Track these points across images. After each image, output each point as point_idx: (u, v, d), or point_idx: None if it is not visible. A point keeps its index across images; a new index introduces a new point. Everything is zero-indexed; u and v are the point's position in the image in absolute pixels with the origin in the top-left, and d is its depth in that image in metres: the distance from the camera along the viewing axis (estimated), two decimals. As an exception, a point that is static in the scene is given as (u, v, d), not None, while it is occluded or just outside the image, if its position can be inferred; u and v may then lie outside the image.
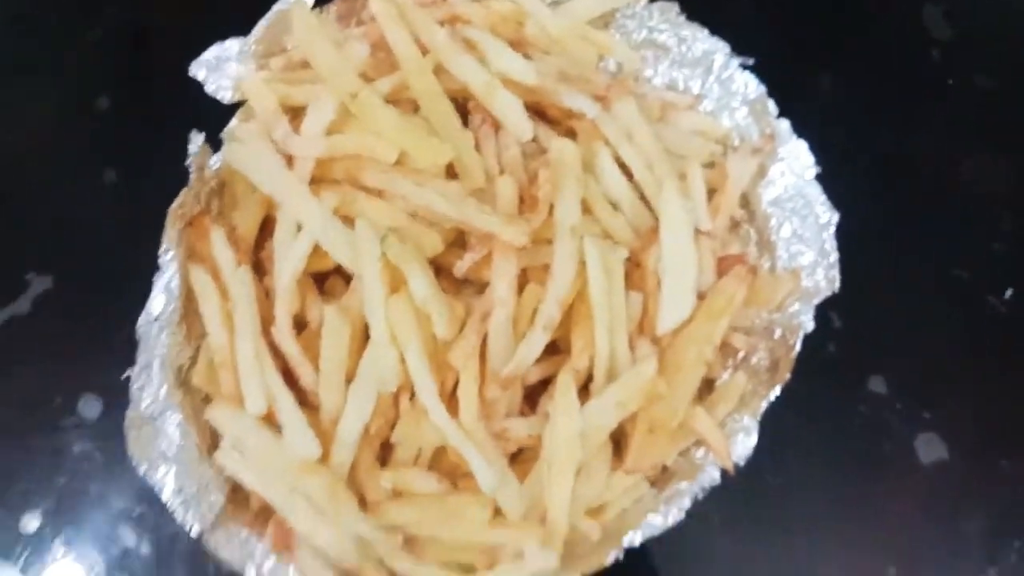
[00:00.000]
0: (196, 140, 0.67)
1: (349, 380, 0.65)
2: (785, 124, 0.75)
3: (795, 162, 0.74)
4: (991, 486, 0.82)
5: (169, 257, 0.65)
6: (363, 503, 0.65)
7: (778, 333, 0.72)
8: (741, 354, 0.73)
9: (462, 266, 0.65)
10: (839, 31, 0.95)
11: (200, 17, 0.90)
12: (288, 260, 0.65)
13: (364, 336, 0.65)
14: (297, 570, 0.65)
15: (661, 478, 0.70)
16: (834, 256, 0.71)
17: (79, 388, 0.79)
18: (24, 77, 0.91)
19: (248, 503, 0.67)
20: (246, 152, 0.68)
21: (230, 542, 0.64)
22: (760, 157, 0.73)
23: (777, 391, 0.69)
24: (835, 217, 0.72)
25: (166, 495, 0.62)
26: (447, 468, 0.69)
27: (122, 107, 0.88)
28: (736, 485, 0.68)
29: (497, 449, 0.65)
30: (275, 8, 0.73)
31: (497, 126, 0.71)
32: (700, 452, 0.70)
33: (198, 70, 0.71)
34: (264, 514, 0.67)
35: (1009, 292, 0.86)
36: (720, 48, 0.77)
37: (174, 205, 0.65)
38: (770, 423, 0.69)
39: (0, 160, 0.88)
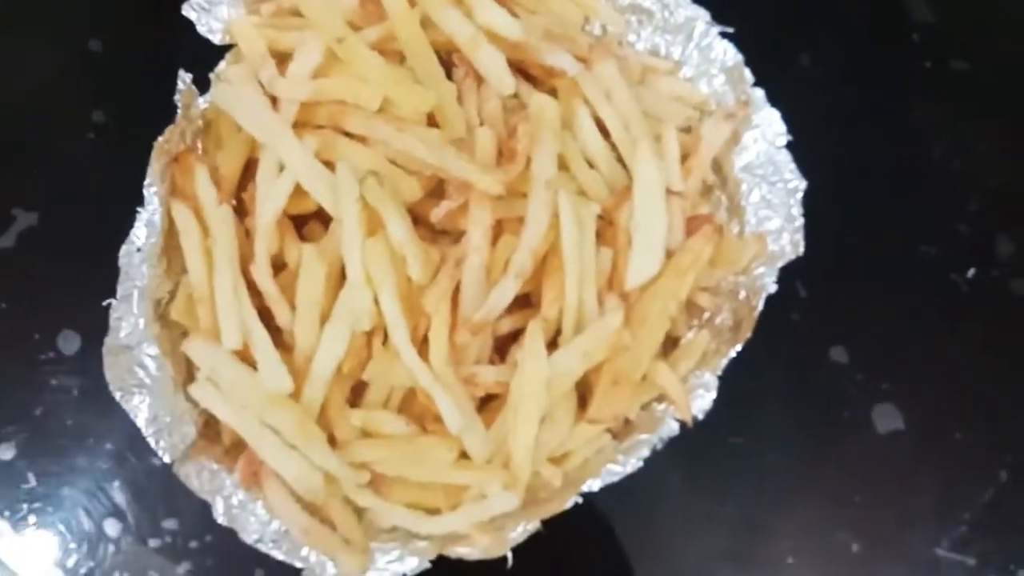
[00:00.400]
0: (184, 78, 0.68)
1: (324, 320, 0.67)
2: (760, 93, 0.76)
3: (768, 129, 0.76)
4: (944, 457, 0.85)
5: (153, 191, 0.66)
6: (332, 441, 0.67)
7: (742, 295, 0.74)
8: (706, 315, 0.76)
9: (439, 212, 0.67)
10: (821, 7, 0.97)
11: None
12: (269, 199, 0.66)
13: (340, 278, 0.67)
14: (264, 505, 0.67)
15: (623, 430, 0.73)
16: (799, 221, 0.74)
17: (59, 323, 0.81)
18: (15, 20, 0.92)
19: (220, 438, 0.69)
20: (233, 93, 0.69)
21: (200, 474, 0.66)
22: (734, 122, 0.75)
23: (738, 348, 0.71)
24: (803, 184, 0.74)
25: (140, 422, 0.64)
26: (416, 412, 0.71)
27: (114, 48, 0.89)
28: (694, 438, 0.70)
29: (465, 393, 0.67)
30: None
31: (480, 80, 0.72)
32: (661, 406, 0.72)
33: (190, 11, 0.72)
34: (235, 450, 0.69)
35: (972, 271, 0.89)
36: (701, 15, 0.79)
37: (159, 140, 0.66)
38: (731, 384, 0.71)
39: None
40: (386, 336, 0.67)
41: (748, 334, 0.72)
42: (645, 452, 0.69)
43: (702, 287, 0.73)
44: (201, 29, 0.72)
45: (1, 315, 0.82)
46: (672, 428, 0.70)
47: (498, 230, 0.69)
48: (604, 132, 0.73)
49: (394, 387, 0.70)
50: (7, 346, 0.80)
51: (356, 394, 0.70)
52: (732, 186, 0.77)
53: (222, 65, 0.72)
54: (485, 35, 0.71)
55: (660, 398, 0.73)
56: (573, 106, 0.72)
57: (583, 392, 0.72)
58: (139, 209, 0.66)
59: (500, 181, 0.65)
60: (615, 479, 0.69)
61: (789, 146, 0.76)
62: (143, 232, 0.66)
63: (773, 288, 0.73)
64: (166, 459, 0.64)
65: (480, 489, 0.68)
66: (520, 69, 0.75)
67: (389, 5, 0.71)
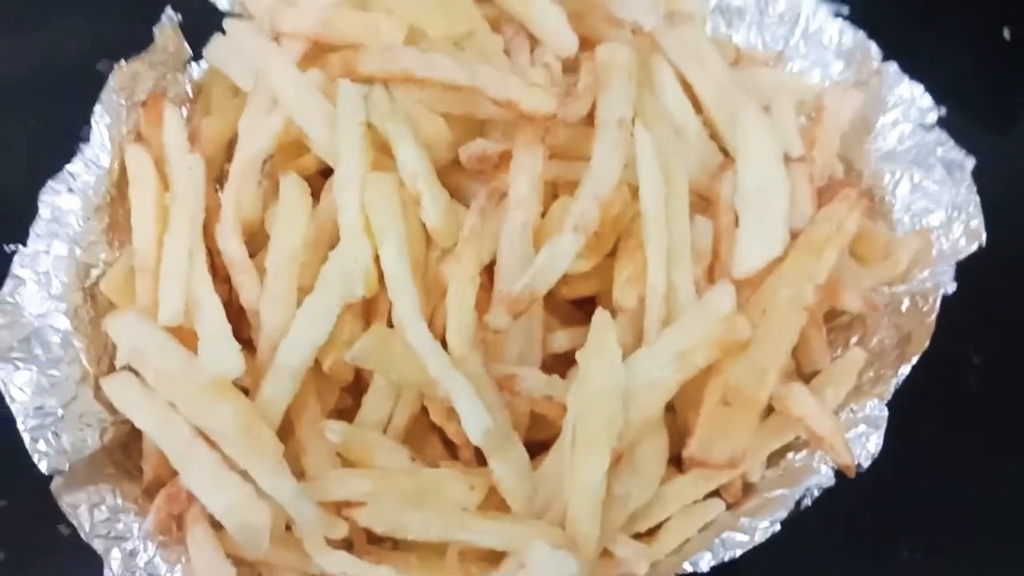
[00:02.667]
0: (170, 14, 0.55)
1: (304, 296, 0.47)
2: (893, 66, 0.60)
3: (911, 108, 0.58)
4: None
5: (104, 124, 0.51)
6: (297, 472, 0.44)
7: (906, 304, 0.52)
8: (854, 338, 0.53)
9: (470, 149, 0.49)
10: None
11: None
12: (252, 137, 0.50)
13: (331, 248, 0.48)
14: (185, 570, 0.43)
15: (743, 494, 0.47)
16: (975, 204, 0.53)
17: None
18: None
19: (136, 472, 0.47)
20: (229, 44, 0.56)
21: (94, 508, 0.43)
22: (865, 92, 0.58)
23: (911, 364, 0.48)
24: (970, 162, 0.55)
25: (15, 407, 0.43)
26: (427, 450, 0.48)
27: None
28: (849, 490, 0.45)
29: (496, 392, 0.44)
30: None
31: (533, 42, 0.58)
32: (800, 455, 0.48)
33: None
34: (155, 488, 0.46)
35: None
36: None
37: (121, 64, 0.52)
38: (902, 414, 0.47)
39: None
40: (390, 319, 0.47)
41: (924, 345, 0.48)
42: (782, 513, 0.44)
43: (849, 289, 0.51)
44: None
45: None
46: (823, 477, 0.45)
47: (550, 195, 0.51)
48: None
49: (397, 405, 0.47)
50: None
51: (343, 417, 0.48)
52: (870, 180, 0.58)
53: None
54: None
55: (797, 445, 0.48)
56: (652, 64, 0.56)
57: (680, 431, 0.49)
58: (81, 145, 0.50)
59: (552, 98, 0.47)
60: (736, 553, 0.43)
61: (941, 123, 0.57)
62: (81, 171, 0.50)
63: (952, 287, 0.50)
64: (43, 468, 0.42)
65: (516, 553, 0.42)
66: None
67: None
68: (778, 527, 0.43)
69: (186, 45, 0.57)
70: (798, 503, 0.44)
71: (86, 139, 0.50)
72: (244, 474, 0.43)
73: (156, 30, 0.54)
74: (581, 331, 0.49)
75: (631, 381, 0.45)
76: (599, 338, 0.46)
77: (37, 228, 0.48)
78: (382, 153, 0.49)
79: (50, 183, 0.49)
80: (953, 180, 0.55)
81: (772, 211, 0.50)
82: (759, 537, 0.43)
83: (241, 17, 0.60)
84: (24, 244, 0.47)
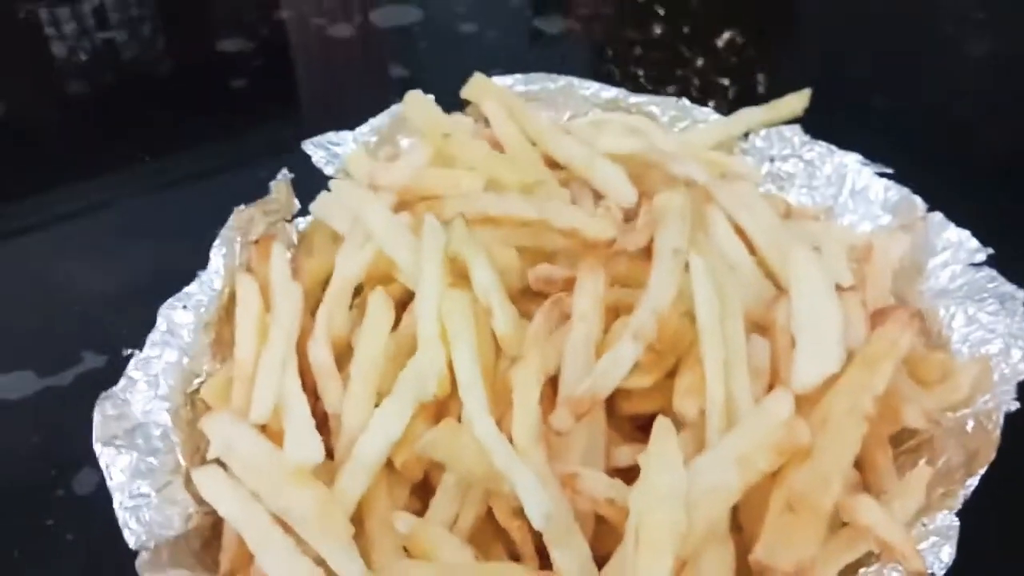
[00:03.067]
0: (285, 172, 0.65)
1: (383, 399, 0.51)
2: (938, 216, 0.64)
3: (959, 251, 0.61)
4: None
5: (221, 254, 0.58)
6: (366, 561, 0.46)
7: (970, 425, 0.52)
8: (923, 460, 0.52)
9: (538, 272, 0.54)
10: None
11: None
12: (346, 265, 0.57)
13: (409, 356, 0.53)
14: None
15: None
16: (1034, 332, 0.54)
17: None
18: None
19: (216, 565, 0.49)
20: (333, 198, 0.64)
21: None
22: (911, 234, 0.61)
23: (979, 476, 0.47)
24: (1021, 294, 0.57)
25: (113, 484, 0.46)
26: (493, 549, 0.49)
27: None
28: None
29: (558, 485, 0.46)
30: (390, 110, 0.76)
31: (597, 197, 0.65)
32: (872, 569, 0.46)
33: (309, 146, 0.71)
34: (233, 581, 0.48)
35: None
36: (851, 160, 0.70)
37: (240, 207, 0.60)
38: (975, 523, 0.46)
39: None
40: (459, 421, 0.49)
41: (991, 456, 0.48)
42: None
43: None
44: (318, 161, 0.70)
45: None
46: (894, 589, 0.44)
47: (611, 317, 0.54)
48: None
49: (464, 505, 0.49)
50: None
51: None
52: (925, 316, 0.60)
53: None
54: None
55: (868, 561, 0.47)
56: (705, 212, 0.62)
57: (747, 549, 0.48)
58: (199, 272, 0.58)
59: (612, 226, 0.53)
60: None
61: (990, 261, 0.60)
62: (196, 292, 0.57)
63: (1014, 406, 0.50)
64: (131, 543, 0.45)
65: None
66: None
67: (509, 144, 0.68)
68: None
69: (295, 199, 0.66)
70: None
71: (203, 267, 0.58)
72: (317, 560, 0.45)
73: (272, 184, 0.64)
74: (644, 447, 0.51)
75: (694, 485, 0.46)
76: (661, 442, 0.48)
77: (153, 337, 0.54)
78: (460, 279, 0.54)
79: (169, 300, 0.56)
80: (1007, 311, 0.56)
81: (827, 332, 0.53)
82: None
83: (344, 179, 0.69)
84: (140, 350, 0.54)
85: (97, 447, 0.48)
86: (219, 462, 0.49)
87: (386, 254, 0.57)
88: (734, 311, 0.52)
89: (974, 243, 0.61)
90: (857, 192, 0.69)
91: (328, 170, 0.71)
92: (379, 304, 0.53)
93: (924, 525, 0.47)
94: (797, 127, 0.74)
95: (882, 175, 0.69)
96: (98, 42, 1.15)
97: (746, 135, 0.76)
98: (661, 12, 1.21)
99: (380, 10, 1.25)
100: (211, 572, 0.49)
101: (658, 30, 1.18)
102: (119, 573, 0.45)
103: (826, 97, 0.72)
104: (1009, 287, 0.58)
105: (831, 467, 0.47)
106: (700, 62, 1.08)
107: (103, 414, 0.49)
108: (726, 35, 1.15)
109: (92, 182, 0.89)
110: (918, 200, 0.65)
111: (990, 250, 0.60)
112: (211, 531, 0.50)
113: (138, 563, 0.45)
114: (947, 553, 0.45)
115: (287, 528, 0.46)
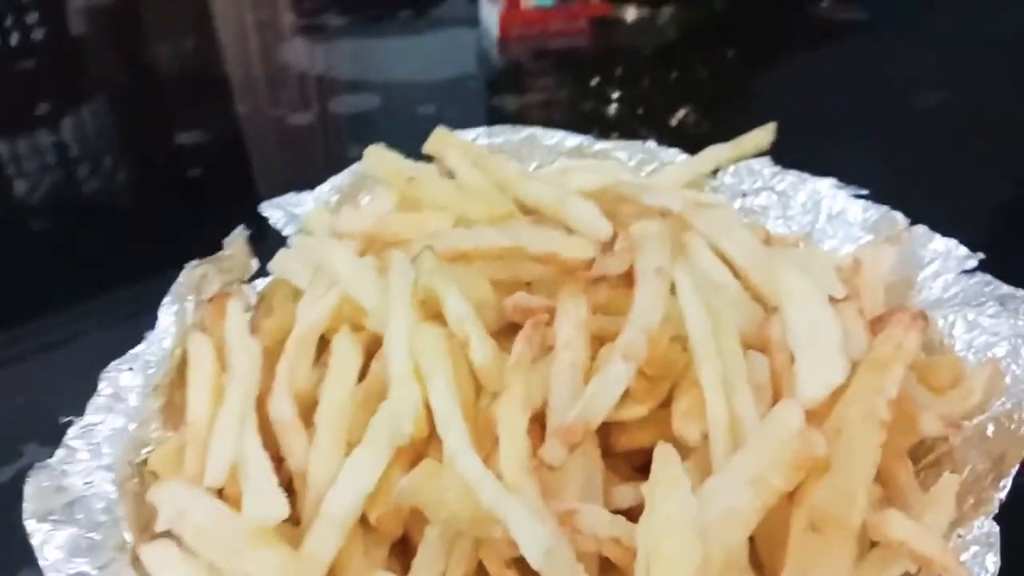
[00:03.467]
0: (240, 229, 0.61)
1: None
2: (922, 228, 0.62)
3: (947, 259, 0.59)
4: None
5: (172, 311, 0.54)
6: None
7: (991, 429, 0.48)
8: (946, 473, 0.48)
9: (515, 300, 0.50)
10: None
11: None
12: (309, 312, 0.52)
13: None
14: None
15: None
16: (1042, 328, 0.51)
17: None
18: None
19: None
20: (293, 254, 0.61)
21: None
22: (896, 245, 0.59)
23: (1009, 482, 0.43)
24: (1021, 293, 0.54)
25: (45, 562, 0.40)
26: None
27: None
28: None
29: (553, 519, 0.40)
30: (352, 168, 0.73)
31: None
32: (911, 589, 0.41)
33: (268, 209, 0.68)
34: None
35: None
36: (824, 185, 0.69)
37: (192, 263, 0.56)
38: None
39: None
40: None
41: (1021, 455, 0.44)
42: (903, 647, 0.37)
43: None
44: (276, 222, 0.67)
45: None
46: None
47: (596, 345, 0.51)
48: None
49: (450, 561, 0.43)
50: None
51: None
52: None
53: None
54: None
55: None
56: (685, 239, 0.59)
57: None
58: (147, 333, 0.53)
59: (590, 246, 0.50)
60: None
61: (982, 267, 0.58)
62: (144, 352, 0.52)
63: (1037, 403, 0.47)
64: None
65: None
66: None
67: (453, 160, 0.66)
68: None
69: (253, 259, 0.62)
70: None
71: (151, 328, 0.53)
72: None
73: (226, 241, 0.60)
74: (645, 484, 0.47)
75: (706, 513, 0.41)
76: (664, 468, 0.43)
77: (96, 402, 0.49)
78: (433, 319, 0.50)
79: (113, 363, 0.51)
80: (1009, 311, 0.54)
81: (827, 343, 0.49)
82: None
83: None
84: (80, 416, 0.48)
85: (30, 524, 0.42)
86: (171, 536, 0.44)
87: (352, 298, 0.53)
88: (727, 326, 0.49)
89: (963, 250, 0.59)
90: (835, 216, 0.68)
91: (287, 231, 0.67)
92: (345, 346, 0.48)
93: (960, 536, 0.42)
94: (766, 159, 0.72)
95: (859, 196, 0.67)
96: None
97: (715, 173, 0.74)
98: (614, 95, 1.23)
99: (339, 98, 1.26)
100: (163, 663, 0.42)
101: (612, 109, 1.20)
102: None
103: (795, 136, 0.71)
104: (1007, 288, 0.55)
105: (853, 479, 0.43)
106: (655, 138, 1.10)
107: (37, 487, 0.43)
108: (680, 112, 1.16)
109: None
110: (899, 215, 0.64)
111: (981, 255, 0.58)
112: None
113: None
114: (991, 561, 0.40)
115: (250, 601, 0.40)
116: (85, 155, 1.16)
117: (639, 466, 0.50)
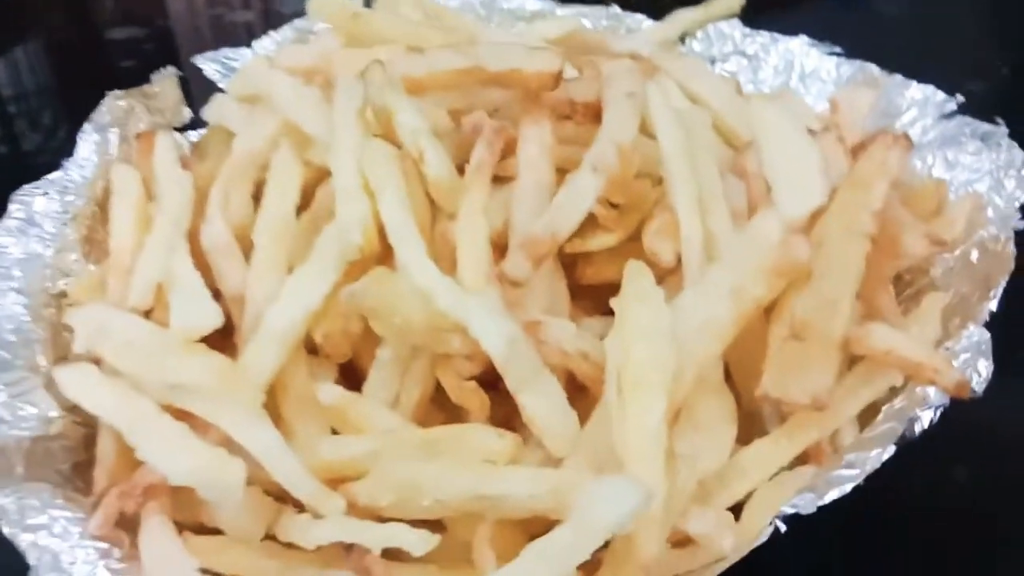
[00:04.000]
0: (171, 69, 0.56)
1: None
2: (898, 77, 0.59)
3: (926, 105, 0.57)
4: None
5: (92, 141, 0.48)
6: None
7: (976, 255, 0.46)
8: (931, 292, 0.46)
9: (472, 122, 0.46)
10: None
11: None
12: (247, 139, 0.48)
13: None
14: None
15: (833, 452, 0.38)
16: (1020, 157, 0.49)
17: None
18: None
19: (88, 484, 0.38)
20: (229, 99, 0.56)
21: (23, 500, 0.34)
22: (873, 88, 0.56)
23: (1000, 292, 0.41)
24: (1003, 130, 0.52)
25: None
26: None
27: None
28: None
29: (519, 327, 0.37)
30: (293, 23, 0.68)
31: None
32: (898, 402, 0.39)
33: (203, 61, 0.63)
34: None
35: None
36: (796, 45, 0.66)
37: (116, 92, 0.51)
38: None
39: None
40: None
41: (1010, 267, 0.42)
42: (890, 444, 0.35)
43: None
44: (212, 75, 0.62)
45: None
46: (934, 399, 0.36)
47: (560, 176, 0.47)
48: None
49: (404, 383, 0.40)
50: None
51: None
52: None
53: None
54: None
55: (888, 398, 0.40)
56: (655, 79, 0.55)
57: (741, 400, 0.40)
58: (64, 160, 0.48)
59: (556, 60, 0.46)
60: (844, 490, 0.33)
61: (962, 110, 0.55)
62: (61, 179, 0.47)
63: (1022, 224, 0.45)
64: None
65: (564, 510, 0.33)
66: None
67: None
68: (892, 450, 0.34)
69: (185, 106, 0.57)
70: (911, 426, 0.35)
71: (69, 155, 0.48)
72: (219, 442, 0.35)
73: (154, 76, 0.55)
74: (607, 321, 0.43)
75: (680, 324, 0.38)
76: (635, 282, 0.40)
77: (6, 224, 0.44)
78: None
79: (26, 186, 0.46)
80: (990, 146, 0.51)
81: (806, 165, 0.46)
82: (871, 466, 0.34)
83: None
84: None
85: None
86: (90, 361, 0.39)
87: (294, 128, 0.48)
88: (703, 142, 0.46)
89: (940, 95, 0.56)
90: (808, 75, 0.65)
91: (223, 84, 0.62)
92: (285, 160, 0.44)
93: (948, 348, 0.40)
94: (736, 21, 0.69)
95: (832, 54, 0.64)
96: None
97: (683, 40, 0.71)
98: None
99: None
100: (82, 494, 0.38)
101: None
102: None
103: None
104: (988, 126, 0.53)
105: (837, 289, 0.40)
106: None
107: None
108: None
109: None
110: (874, 67, 0.61)
111: (960, 98, 0.55)
112: (85, 450, 0.40)
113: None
114: (984, 366, 0.38)
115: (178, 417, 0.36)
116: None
117: (606, 310, 0.47)
